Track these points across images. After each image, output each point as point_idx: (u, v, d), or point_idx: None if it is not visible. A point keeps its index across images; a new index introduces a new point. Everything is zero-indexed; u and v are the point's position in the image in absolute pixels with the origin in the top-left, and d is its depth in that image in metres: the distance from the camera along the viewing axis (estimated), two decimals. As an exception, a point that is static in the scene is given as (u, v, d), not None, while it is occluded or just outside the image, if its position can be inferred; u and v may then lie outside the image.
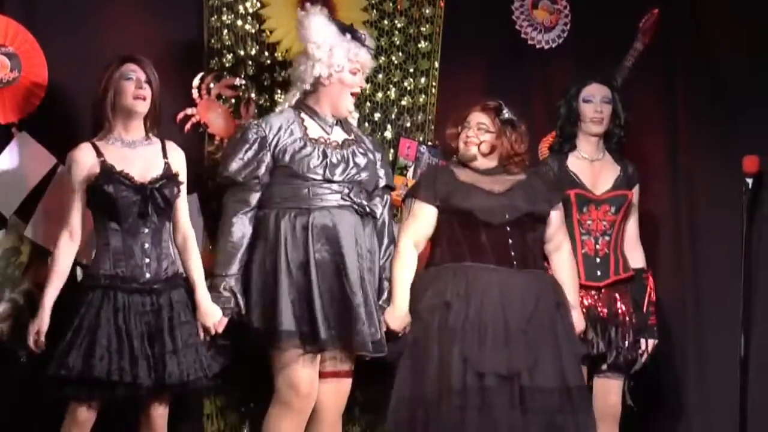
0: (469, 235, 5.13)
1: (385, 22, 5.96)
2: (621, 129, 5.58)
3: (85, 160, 4.77)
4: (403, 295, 5.16)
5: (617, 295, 5.47)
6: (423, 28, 6.00)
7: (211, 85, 5.61)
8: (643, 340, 5.48)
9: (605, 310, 5.43)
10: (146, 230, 4.81)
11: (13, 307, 5.04)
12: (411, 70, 5.99)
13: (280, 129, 5.09)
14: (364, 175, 5.15)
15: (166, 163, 4.88)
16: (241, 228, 5.04)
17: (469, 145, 5.25)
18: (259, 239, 5.04)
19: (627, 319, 5.44)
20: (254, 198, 5.06)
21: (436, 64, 6.01)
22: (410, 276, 5.20)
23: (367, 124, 5.90)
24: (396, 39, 5.96)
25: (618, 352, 5.40)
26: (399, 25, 5.97)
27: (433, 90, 6.01)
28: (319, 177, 5.04)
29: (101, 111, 4.83)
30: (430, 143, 5.99)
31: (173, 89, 5.49)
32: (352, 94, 5.17)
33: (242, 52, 5.68)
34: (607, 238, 5.49)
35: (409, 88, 5.98)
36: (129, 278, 4.74)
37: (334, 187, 5.06)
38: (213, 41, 5.64)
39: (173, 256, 4.92)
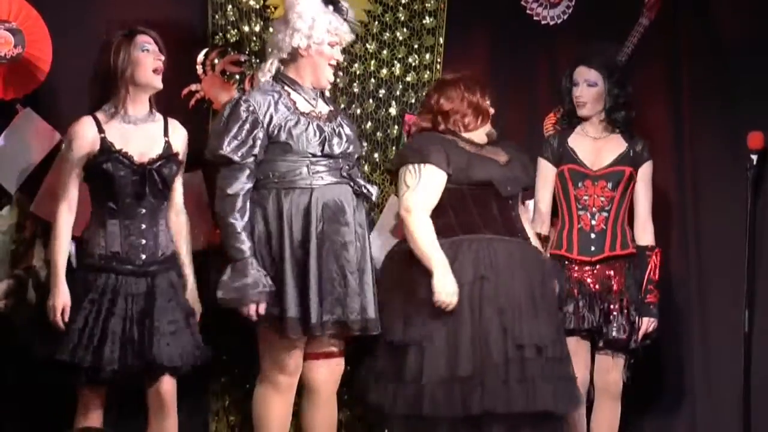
0: (481, 206, 5.04)
1: (390, -4, 5.95)
2: (619, 108, 5.56)
3: (86, 134, 4.70)
4: (447, 267, 4.89)
5: (611, 272, 5.46)
6: (427, 4, 5.98)
7: (216, 60, 5.61)
8: (638, 319, 5.46)
9: (597, 286, 5.45)
10: (143, 210, 4.75)
11: (17, 283, 5.05)
12: (416, 46, 5.98)
13: (269, 105, 4.94)
14: (353, 148, 5.10)
15: (167, 142, 4.83)
16: (244, 207, 4.89)
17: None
18: (257, 220, 4.93)
19: (620, 296, 5.44)
20: (251, 177, 4.92)
21: (441, 40, 5.99)
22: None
23: (371, 101, 5.90)
24: (400, 15, 5.95)
25: (612, 329, 5.40)
26: (403, 1, 5.95)
27: (438, 66, 6.00)
28: (319, 152, 4.95)
29: (110, 84, 4.73)
30: (435, 119, 5.97)
31: (177, 65, 5.48)
32: (329, 65, 5.08)
33: (246, 28, 5.68)
34: (605, 214, 5.49)
35: (413, 64, 5.97)
36: (125, 259, 4.69)
37: (332, 163, 4.98)
38: (217, 17, 5.63)
39: (170, 237, 4.87)
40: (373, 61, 5.89)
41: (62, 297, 4.62)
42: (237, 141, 4.90)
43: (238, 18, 5.66)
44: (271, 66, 5.05)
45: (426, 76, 5.99)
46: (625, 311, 5.42)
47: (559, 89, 5.69)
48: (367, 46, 5.90)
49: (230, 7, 5.64)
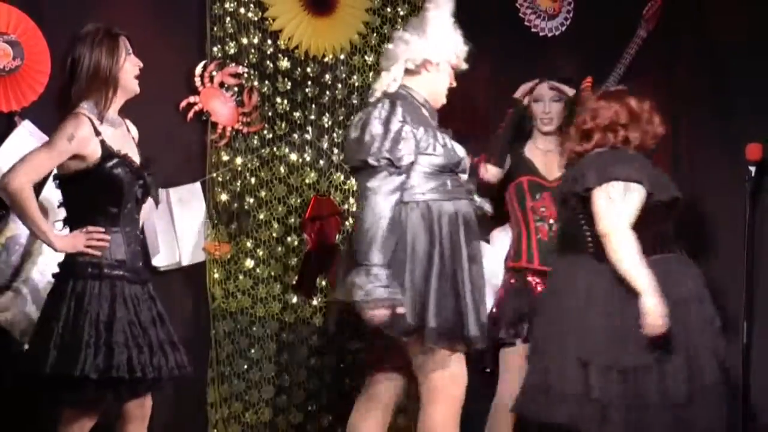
0: (668, 224, 4.76)
1: (388, 9, 5.96)
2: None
3: (89, 136, 4.48)
4: (656, 288, 4.56)
5: None
6: (426, 16, 5.98)
7: (214, 73, 5.62)
8: None
9: None
10: (137, 216, 4.64)
11: (16, 297, 5.04)
12: (414, 57, 5.98)
13: (411, 117, 4.71)
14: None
15: (136, 144, 4.69)
16: (390, 215, 4.59)
17: None
18: (405, 229, 4.65)
19: None
20: (401, 185, 4.63)
21: (439, 52, 5.99)
22: None
23: (370, 112, 5.90)
24: (399, 26, 5.94)
25: None
26: (402, 13, 5.97)
27: (436, 78, 6.00)
28: (458, 168, 4.78)
29: (93, 84, 4.50)
30: (432, 131, 5.98)
31: (176, 77, 5.50)
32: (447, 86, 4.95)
33: (245, 40, 5.69)
34: (561, 224, 5.38)
35: (412, 75, 5.96)
36: (131, 268, 4.54)
37: (461, 178, 4.83)
38: (216, 29, 5.64)
39: None
40: (371, 73, 5.90)
41: (67, 239, 4.45)
42: (392, 146, 4.63)
43: (236, 30, 5.67)
44: (397, 75, 4.81)
45: (424, 87, 5.98)
46: None
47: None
48: (366, 58, 5.91)
49: (229, 19, 5.65)
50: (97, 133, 4.48)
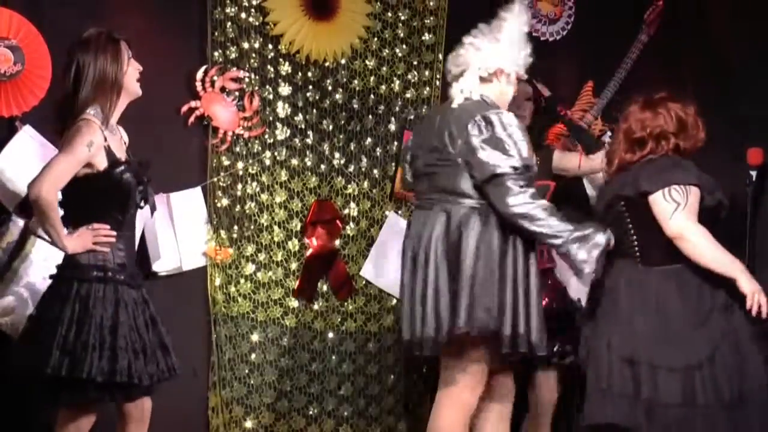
0: (713, 229, 4.71)
1: (389, 14, 5.96)
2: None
3: (99, 142, 4.48)
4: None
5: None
6: (427, 21, 5.99)
7: (215, 77, 5.62)
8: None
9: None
10: (134, 221, 4.65)
11: (17, 300, 5.05)
12: (415, 62, 5.99)
13: None
14: None
15: (127, 150, 4.68)
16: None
17: None
18: (517, 239, 4.64)
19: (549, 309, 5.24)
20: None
21: (440, 57, 6.00)
22: None
23: (371, 117, 5.91)
24: (400, 31, 5.96)
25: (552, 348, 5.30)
26: (403, 18, 5.97)
27: (437, 82, 6.01)
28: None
29: (100, 91, 4.50)
30: (434, 135, 5.98)
31: (177, 82, 5.51)
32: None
33: (246, 45, 5.69)
34: None
35: (412, 80, 5.98)
36: (129, 272, 4.56)
37: None
38: (217, 34, 5.64)
39: None
40: (372, 78, 5.91)
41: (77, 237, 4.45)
42: (530, 153, 4.70)
43: (237, 35, 5.67)
44: (473, 82, 4.78)
45: (425, 92, 6.00)
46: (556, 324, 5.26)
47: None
48: (367, 62, 5.91)
49: (230, 24, 5.65)
50: (105, 139, 4.50)
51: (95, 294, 4.43)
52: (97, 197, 4.52)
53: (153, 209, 4.72)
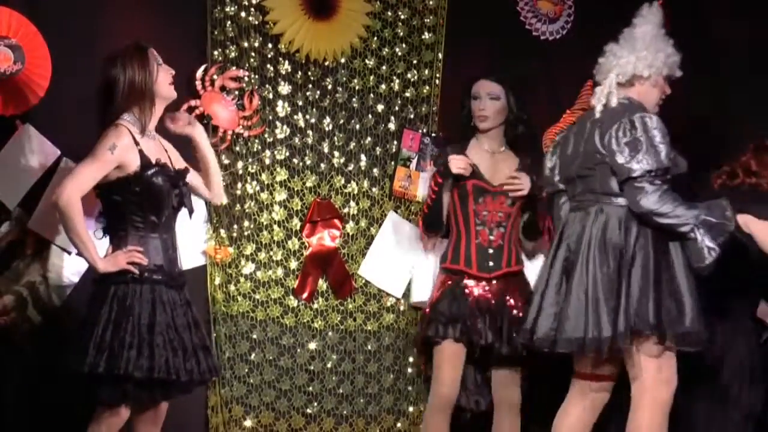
0: None
1: (389, 13, 5.95)
2: (517, 125, 5.53)
3: (129, 146, 4.58)
4: None
5: (507, 287, 5.44)
6: (426, 20, 5.99)
7: (215, 76, 5.62)
8: None
9: (494, 302, 5.42)
10: (173, 224, 4.74)
11: (18, 300, 5.05)
12: (414, 61, 5.99)
13: None
14: None
15: (169, 157, 4.80)
16: None
17: None
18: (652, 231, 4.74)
19: (515, 311, 5.38)
20: None
21: (440, 56, 6.00)
22: None
23: (370, 116, 5.91)
24: (399, 30, 5.96)
25: (503, 345, 5.35)
26: (402, 17, 5.96)
27: (437, 81, 6.01)
28: None
29: (133, 98, 4.61)
30: (433, 134, 5.99)
31: (177, 81, 5.48)
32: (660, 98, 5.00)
33: (246, 44, 5.69)
34: (501, 229, 5.47)
35: (412, 79, 5.98)
36: (168, 273, 4.64)
37: None
38: (216, 33, 5.64)
39: None
40: (372, 77, 5.90)
41: (110, 260, 4.51)
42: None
43: (237, 34, 5.67)
44: (611, 89, 4.86)
45: (425, 91, 6.00)
46: (514, 327, 5.30)
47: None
48: (367, 61, 5.91)
49: (229, 23, 5.65)
50: (136, 143, 4.58)
51: (132, 294, 4.54)
52: (130, 199, 4.61)
53: (191, 212, 4.80)
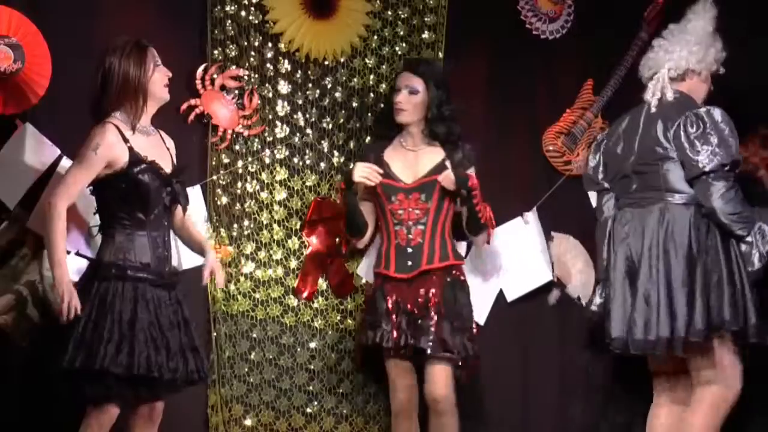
0: None
1: (389, 12, 5.95)
2: (442, 120, 5.42)
3: (114, 143, 4.62)
4: None
5: (428, 286, 5.32)
6: (427, 19, 5.98)
7: (215, 75, 5.62)
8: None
9: (413, 302, 5.32)
10: (166, 223, 4.75)
11: (17, 299, 5.05)
12: (414, 61, 5.98)
13: None
14: None
15: (170, 155, 4.83)
16: None
17: None
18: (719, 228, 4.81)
19: (438, 309, 5.28)
20: None
21: (440, 55, 5.99)
22: None
23: (370, 115, 5.90)
24: (399, 30, 5.95)
25: (428, 344, 5.23)
26: (403, 16, 5.96)
27: (437, 80, 6.00)
28: None
29: (123, 95, 4.66)
30: (433, 134, 5.98)
31: (177, 80, 5.48)
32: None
33: (246, 43, 5.69)
34: (420, 227, 5.37)
35: (413, 78, 5.96)
36: (155, 271, 4.66)
37: None
38: (216, 32, 5.64)
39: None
40: (372, 76, 5.90)
41: (73, 292, 4.50)
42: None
43: (237, 33, 5.67)
44: (664, 84, 4.93)
45: (425, 90, 5.98)
46: (442, 325, 5.26)
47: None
48: (366, 60, 5.91)
49: (229, 22, 5.65)
50: (125, 140, 4.62)
51: (114, 291, 4.56)
52: (117, 196, 4.66)
53: (184, 210, 4.82)
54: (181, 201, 4.77)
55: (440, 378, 5.29)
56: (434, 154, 5.44)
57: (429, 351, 5.23)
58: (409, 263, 5.36)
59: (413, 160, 5.43)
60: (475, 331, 5.42)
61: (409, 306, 5.31)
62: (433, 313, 5.27)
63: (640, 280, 4.71)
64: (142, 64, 4.68)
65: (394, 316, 5.31)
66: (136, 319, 4.54)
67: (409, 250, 5.35)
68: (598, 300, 5.08)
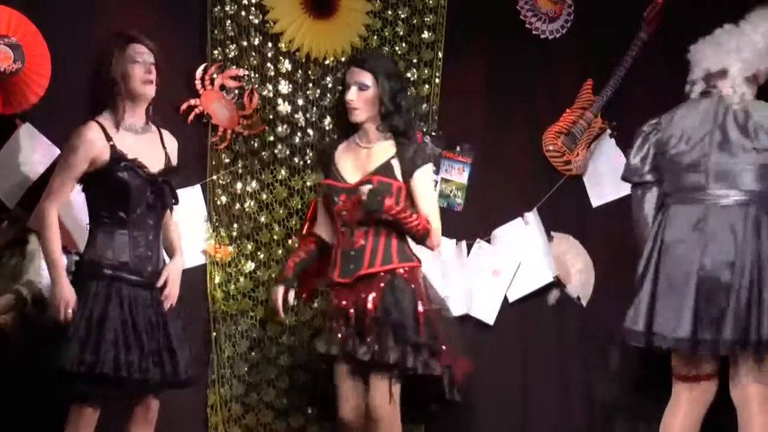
0: None
1: (389, 12, 5.95)
2: (394, 114, 4.95)
3: (95, 140, 4.59)
4: None
5: (368, 289, 4.89)
6: (426, 19, 5.98)
7: (215, 75, 5.62)
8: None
9: (353, 307, 4.91)
10: (151, 222, 4.69)
11: (17, 298, 5.05)
12: (414, 60, 5.98)
13: None
14: None
15: (166, 154, 4.78)
16: None
17: None
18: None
19: (376, 314, 4.85)
20: None
21: (440, 55, 5.99)
22: None
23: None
24: (399, 29, 5.95)
25: (363, 351, 4.83)
26: (402, 16, 5.96)
27: (437, 80, 6.00)
28: None
29: (105, 92, 4.64)
30: (433, 133, 5.99)
31: (177, 80, 5.51)
32: None
33: (246, 43, 5.69)
34: (363, 228, 4.92)
35: (412, 78, 5.96)
36: (134, 270, 4.61)
37: None
38: (216, 32, 5.64)
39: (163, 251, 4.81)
40: (372, 76, 5.90)
41: (69, 292, 4.52)
42: None
43: (237, 33, 5.67)
44: (741, 81, 4.87)
45: (425, 90, 5.99)
46: (379, 333, 4.83)
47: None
48: (367, 60, 5.91)
49: (229, 22, 5.65)
50: (108, 138, 4.58)
51: (88, 289, 4.54)
52: (98, 194, 4.64)
53: (170, 208, 4.76)
54: (165, 200, 4.70)
55: (376, 389, 4.86)
56: (384, 151, 4.99)
57: (365, 360, 4.84)
58: (351, 267, 4.94)
59: (365, 158, 5.00)
60: (421, 336, 4.86)
61: (351, 312, 4.91)
62: (368, 320, 4.86)
63: (731, 281, 4.65)
64: (118, 62, 4.62)
65: (336, 324, 4.95)
66: (107, 317, 4.50)
67: (352, 252, 4.94)
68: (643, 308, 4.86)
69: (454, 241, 5.96)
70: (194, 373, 4.80)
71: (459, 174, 6.04)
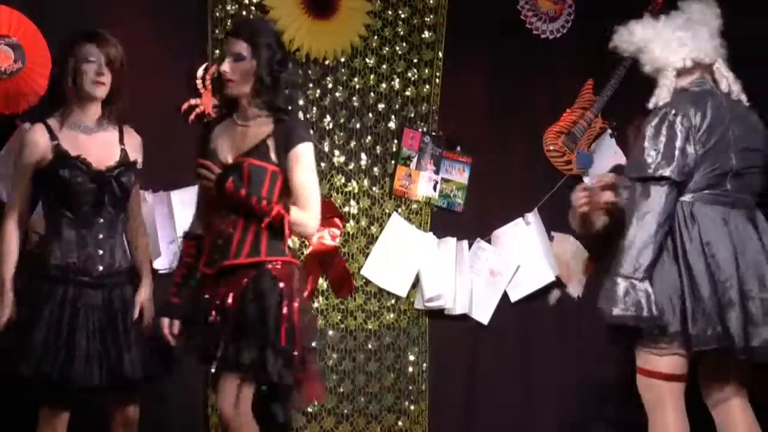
0: None
1: (389, 12, 5.95)
2: (270, 87, 4.42)
3: (37, 141, 4.58)
4: None
5: (230, 284, 4.38)
6: (427, 19, 5.99)
7: (215, 75, 5.62)
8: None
9: (217, 301, 4.38)
10: (101, 220, 4.61)
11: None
12: (415, 60, 5.99)
13: None
14: None
15: (123, 150, 4.69)
16: None
17: None
18: None
19: (228, 312, 4.35)
20: None
21: (440, 55, 6.00)
22: None
23: (370, 115, 5.91)
24: (400, 29, 5.96)
25: (215, 347, 4.33)
26: (403, 16, 5.97)
27: (437, 80, 6.01)
28: None
29: (58, 91, 4.64)
30: (433, 133, 5.99)
31: (177, 79, 5.51)
32: None
33: (246, 43, 5.69)
34: (233, 215, 4.39)
35: (412, 78, 5.98)
36: (81, 270, 4.54)
37: None
38: (217, 31, 5.64)
39: (126, 249, 4.72)
40: (372, 76, 5.91)
41: (6, 311, 4.48)
42: None
43: (237, 33, 5.67)
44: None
45: (425, 90, 6.00)
46: (231, 333, 4.32)
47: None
48: (367, 60, 5.92)
49: (230, 21, 5.65)
50: (53, 138, 4.58)
51: (25, 288, 4.54)
52: (43, 193, 4.65)
53: (114, 207, 4.64)
54: (114, 197, 4.60)
55: (223, 390, 4.35)
56: (259, 130, 4.47)
57: (214, 360, 4.34)
58: (216, 257, 4.42)
59: (240, 137, 4.48)
60: (280, 341, 4.31)
61: (215, 304, 4.37)
62: (221, 317, 4.35)
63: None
64: (69, 61, 4.60)
65: (194, 318, 4.45)
66: (39, 318, 4.44)
67: (220, 241, 4.41)
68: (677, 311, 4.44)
69: (455, 240, 5.97)
70: (153, 372, 4.60)
71: (459, 174, 6.05)
